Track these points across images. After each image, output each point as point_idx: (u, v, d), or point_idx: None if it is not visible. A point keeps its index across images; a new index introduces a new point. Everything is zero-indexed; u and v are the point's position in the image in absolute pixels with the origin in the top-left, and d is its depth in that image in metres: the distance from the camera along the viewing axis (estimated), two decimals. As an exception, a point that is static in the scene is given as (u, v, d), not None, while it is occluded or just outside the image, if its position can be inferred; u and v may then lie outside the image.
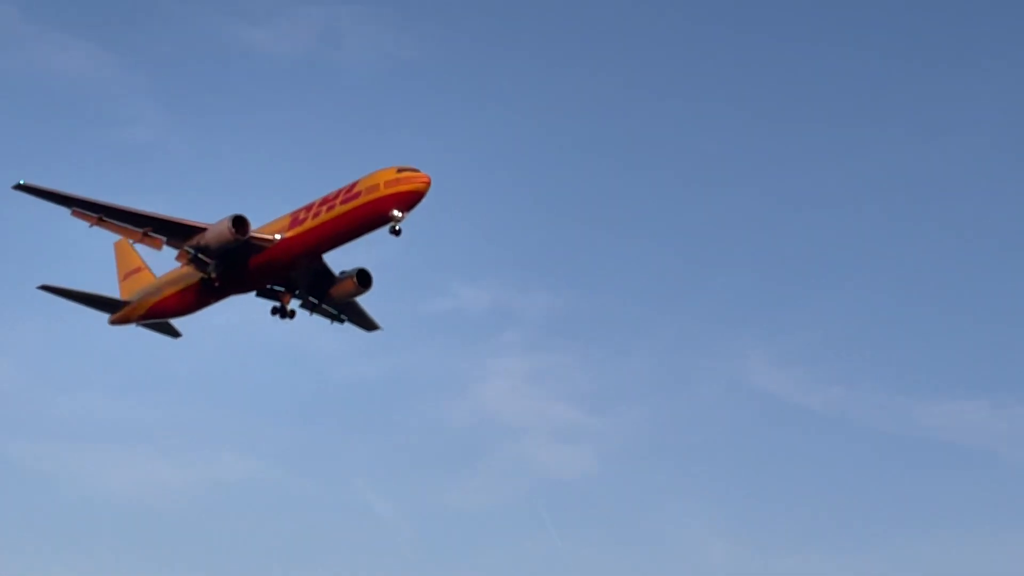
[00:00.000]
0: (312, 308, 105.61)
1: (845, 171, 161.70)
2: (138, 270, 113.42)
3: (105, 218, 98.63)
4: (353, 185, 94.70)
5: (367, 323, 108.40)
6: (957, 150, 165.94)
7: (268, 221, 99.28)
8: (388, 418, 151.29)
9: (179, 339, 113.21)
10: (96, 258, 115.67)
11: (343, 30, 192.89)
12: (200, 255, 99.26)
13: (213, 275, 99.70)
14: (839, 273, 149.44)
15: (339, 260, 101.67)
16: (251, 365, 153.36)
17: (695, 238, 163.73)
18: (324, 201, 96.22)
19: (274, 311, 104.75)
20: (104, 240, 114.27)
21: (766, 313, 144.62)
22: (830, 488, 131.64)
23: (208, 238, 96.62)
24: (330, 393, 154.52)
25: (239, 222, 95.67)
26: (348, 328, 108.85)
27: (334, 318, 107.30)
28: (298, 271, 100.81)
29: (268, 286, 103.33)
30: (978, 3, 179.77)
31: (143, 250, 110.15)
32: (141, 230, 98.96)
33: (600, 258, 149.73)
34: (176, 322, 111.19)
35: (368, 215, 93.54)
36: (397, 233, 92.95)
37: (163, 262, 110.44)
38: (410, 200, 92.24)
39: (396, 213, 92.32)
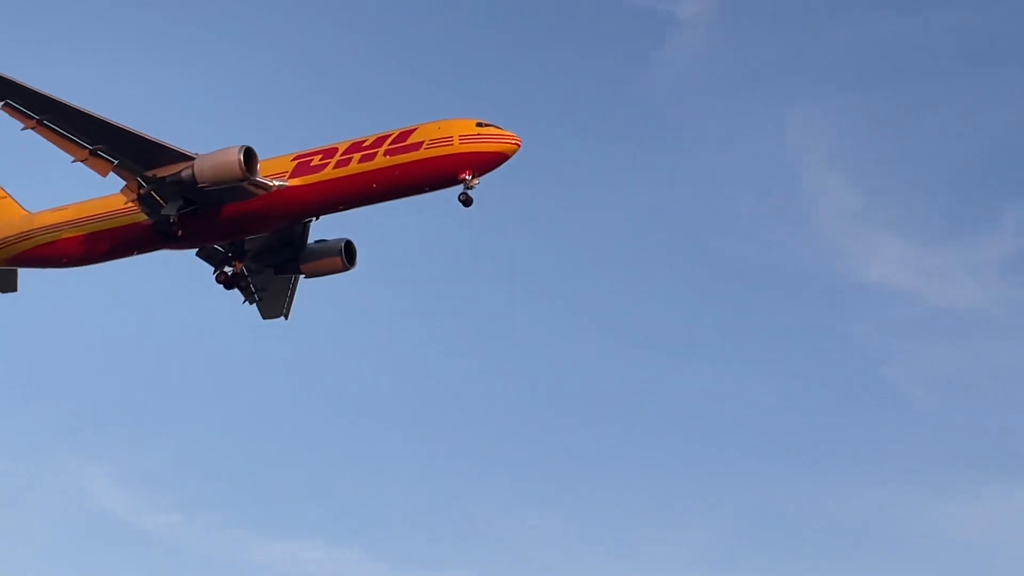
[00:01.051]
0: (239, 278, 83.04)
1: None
2: None
3: (48, 122, 73.42)
4: (407, 132, 73.64)
5: (279, 308, 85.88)
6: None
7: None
8: None
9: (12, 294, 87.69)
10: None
11: None
12: (156, 192, 75.54)
13: (174, 219, 75.88)
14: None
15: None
16: None
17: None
18: (355, 147, 74.91)
19: (220, 279, 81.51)
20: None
21: (114, 431, 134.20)
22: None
23: (201, 171, 72.85)
24: None
25: (249, 156, 73.08)
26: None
27: (250, 296, 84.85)
28: (279, 232, 78.96)
29: (222, 245, 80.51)
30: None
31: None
32: (91, 147, 74.37)
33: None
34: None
35: (429, 174, 72.83)
36: (467, 202, 73.46)
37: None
38: (491, 163, 72.48)
39: (468, 177, 72.74)
